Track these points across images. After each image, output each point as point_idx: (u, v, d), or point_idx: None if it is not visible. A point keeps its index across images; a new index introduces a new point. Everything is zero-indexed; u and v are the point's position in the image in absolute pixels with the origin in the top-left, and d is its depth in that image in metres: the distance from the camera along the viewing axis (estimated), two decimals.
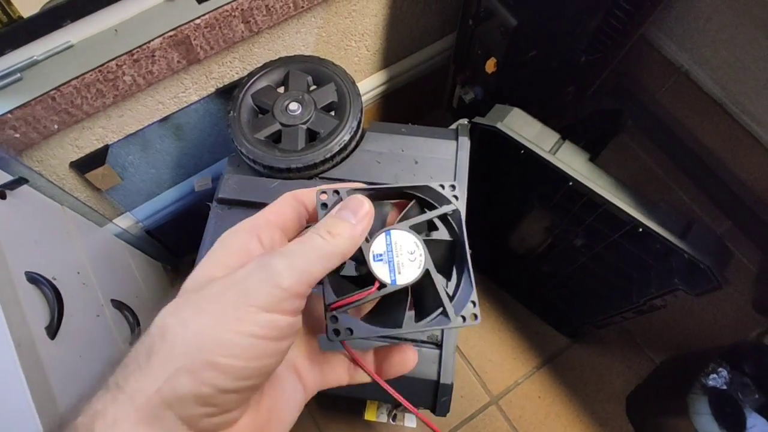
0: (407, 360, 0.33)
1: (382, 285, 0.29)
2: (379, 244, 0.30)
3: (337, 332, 0.28)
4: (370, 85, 1.39)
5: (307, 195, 0.31)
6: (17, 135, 0.83)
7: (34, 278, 0.73)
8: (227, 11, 0.88)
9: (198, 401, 0.22)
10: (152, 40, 0.84)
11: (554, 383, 1.41)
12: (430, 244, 0.31)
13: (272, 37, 1.02)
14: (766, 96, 1.32)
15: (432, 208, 0.33)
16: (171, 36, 0.85)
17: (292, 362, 0.31)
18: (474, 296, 0.30)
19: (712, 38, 1.37)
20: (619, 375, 1.41)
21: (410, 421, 1.10)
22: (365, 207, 0.29)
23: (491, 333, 1.46)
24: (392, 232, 0.30)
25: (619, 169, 1.67)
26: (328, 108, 0.90)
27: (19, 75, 0.79)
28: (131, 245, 1.26)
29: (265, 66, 0.92)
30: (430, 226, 0.33)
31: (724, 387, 1.21)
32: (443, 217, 0.33)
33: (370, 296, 0.29)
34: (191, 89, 1.02)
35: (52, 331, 0.70)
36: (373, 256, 0.30)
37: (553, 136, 0.86)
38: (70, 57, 0.82)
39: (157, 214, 1.27)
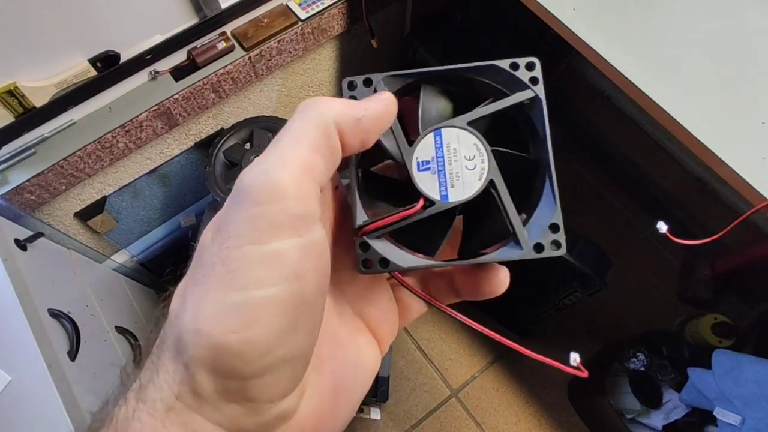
0: (501, 284, 0.24)
1: (429, 202, 0.23)
2: (425, 148, 0.23)
3: (367, 264, 0.23)
4: None
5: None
6: (33, 197, 1.02)
7: (55, 314, 0.92)
8: (200, 85, 1.08)
9: (227, 397, 0.17)
10: (140, 114, 1.04)
11: (506, 376, 1.62)
12: (497, 154, 0.23)
13: (239, 98, 1.23)
14: None
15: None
16: (155, 109, 1.05)
17: (352, 313, 0.24)
18: (557, 217, 0.23)
19: None
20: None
21: (375, 414, 1.29)
22: (385, 95, 0.22)
23: (450, 333, 1.66)
24: (443, 130, 0.23)
25: (559, 181, 1.88)
26: None
27: (33, 150, 0.98)
28: (128, 277, 1.44)
29: (233, 126, 1.12)
30: (497, 128, 0.25)
31: (643, 368, 1.42)
32: (518, 111, 0.24)
33: (412, 217, 0.23)
34: (174, 145, 1.21)
35: (73, 354, 0.89)
36: (418, 163, 0.23)
37: None
38: (74, 132, 1.01)
39: (150, 249, 1.46)
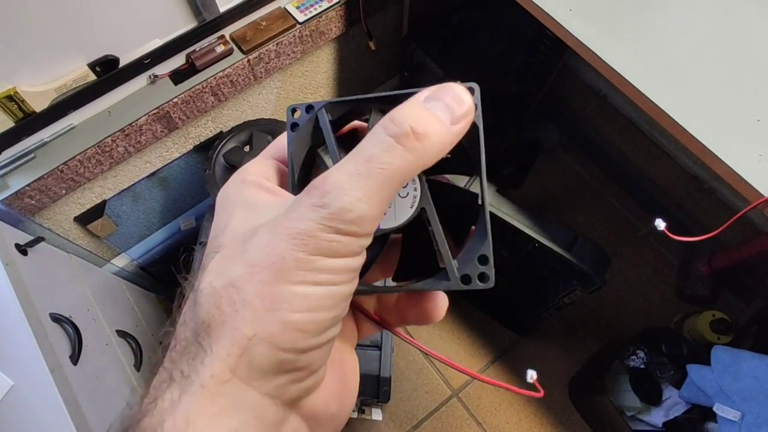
0: (439, 308, 0.26)
1: None
2: None
3: None
4: None
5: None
6: (33, 202, 1.02)
7: (56, 318, 0.92)
8: (199, 89, 1.08)
9: (282, 369, 0.19)
10: (139, 118, 1.04)
11: (507, 374, 1.62)
12: (432, 184, 0.24)
13: (238, 101, 1.23)
14: None
15: None
16: (154, 113, 1.05)
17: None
18: (487, 249, 0.23)
19: None
20: (561, 363, 1.63)
21: (377, 414, 1.30)
22: (467, 101, 0.21)
23: (449, 333, 1.67)
24: None
25: (557, 180, 1.90)
26: None
27: (33, 155, 0.99)
28: (128, 281, 1.44)
29: (233, 129, 1.13)
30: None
31: (642, 366, 1.43)
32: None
33: None
34: (173, 148, 1.22)
35: (75, 359, 0.89)
36: None
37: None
38: (73, 136, 1.01)
39: (150, 252, 1.46)
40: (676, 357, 1.44)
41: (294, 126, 0.24)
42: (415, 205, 0.23)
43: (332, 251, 0.19)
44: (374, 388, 0.92)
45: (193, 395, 0.18)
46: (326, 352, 0.21)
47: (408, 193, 0.23)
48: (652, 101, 0.67)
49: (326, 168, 0.22)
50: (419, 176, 0.23)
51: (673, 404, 1.38)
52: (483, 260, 0.22)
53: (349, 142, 0.23)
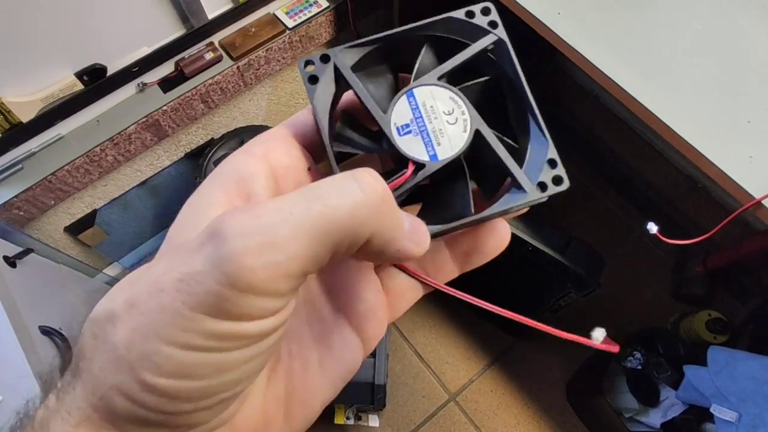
0: (503, 238, 0.24)
1: (419, 166, 0.21)
2: (401, 112, 0.22)
3: None
4: None
5: (304, 121, 0.22)
6: (21, 213, 1.01)
7: (46, 331, 0.90)
8: (188, 96, 1.07)
9: (149, 423, 0.16)
10: (128, 126, 1.03)
11: (504, 378, 1.62)
12: (468, 94, 0.22)
13: (229, 108, 1.22)
14: None
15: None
16: (143, 121, 1.04)
17: (330, 311, 0.22)
18: (552, 152, 0.22)
19: None
20: (558, 365, 1.62)
21: (373, 421, 1.29)
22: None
23: (446, 338, 1.66)
24: (415, 90, 0.22)
25: None
26: None
27: (21, 165, 0.98)
28: None
29: (223, 137, 1.12)
30: (464, 77, 0.23)
31: (639, 367, 1.42)
32: (482, 58, 0.23)
33: (405, 183, 0.21)
34: (163, 156, 1.21)
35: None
36: (398, 129, 0.22)
37: None
38: (62, 146, 1.00)
39: (142, 261, 1.45)
40: (673, 357, 1.44)
41: (312, 78, 0.22)
42: (468, 128, 0.22)
43: (221, 311, 0.15)
44: (369, 396, 0.91)
45: (59, 420, 0.16)
46: (217, 411, 0.17)
47: (456, 119, 0.22)
48: (642, 104, 0.67)
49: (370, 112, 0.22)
50: (460, 95, 0.22)
51: (670, 405, 1.38)
52: (552, 163, 0.22)
53: (377, 76, 0.23)
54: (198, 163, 1.09)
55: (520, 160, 0.22)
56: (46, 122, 0.96)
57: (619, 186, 1.86)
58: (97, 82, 0.98)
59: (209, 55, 1.07)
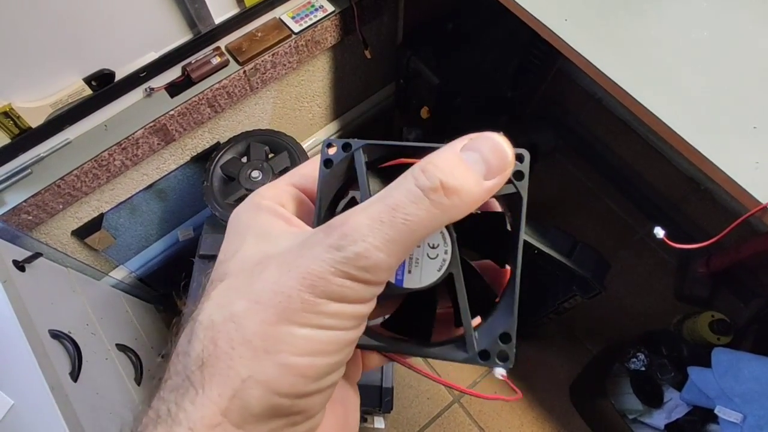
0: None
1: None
2: None
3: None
4: (325, 134, 1.60)
5: (307, 173, 0.25)
6: (30, 217, 1.01)
7: (56, 334, 0.91)
8: (195, 101, 1.08)
9: (277, 414, 0.18)
10: (136, 131, 1.04)
11: (508, 379, 1.62)
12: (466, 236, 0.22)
13: (235, 112, 1.23)
14: None
15: None
16: (151, 126, 1.05)
17: None
18: (511, 327, 0.22)
19: None
20: (562, 367, 1.63)
21: (379, 422, 1.29)
22: (507, 154, 0.20)
23: None
24: None
25: (554, 182, 1.90)
26: (284, 173, 1.11)
27: (29, 170, 0.98)
28: (126, 293, 1.44)
29: (230, 141, 1.13)
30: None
31: (643, 368, 1.43)
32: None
33: None
34: (170, 160, 1.21)
35: (75, 375, 0.89)
36: None
37: None
38: (70, 151, 1.01)
39: (148, 264, 1.46)
40: (677, 359, 1.45)
41: (328, 162, 0.23)
42: (443, 269, 0.22)
43: (342, 296, 0.18)
44: (377, 399, 0.91)
45: None
46: (326, 396, 0.20)
47: (437, 255, 0.22)
48: (649, 110, 0.68)
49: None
50: (452, 236, 0.22)
51: (674, 406, 1.38)
52: (505, 338, 0.21)
53: (388, 177, 0.22)
54: (205, 167, 1.10)
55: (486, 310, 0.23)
56: (55, 127, 0.97)
57: (622, 188, 1.86)
58: (105, 87, 0.98)
59: (216, 60, 1.07)
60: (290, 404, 0.18)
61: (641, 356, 1.44)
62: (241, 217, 0.23)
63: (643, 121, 0.70)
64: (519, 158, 0.21)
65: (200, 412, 0.17)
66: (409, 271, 0.22)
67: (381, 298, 0.21)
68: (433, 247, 0.22)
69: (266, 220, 0.22)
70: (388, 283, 0.22)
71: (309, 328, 0.18)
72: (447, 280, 0.22)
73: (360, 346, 0.23)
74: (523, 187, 0.21)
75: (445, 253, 0.22)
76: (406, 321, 0.25)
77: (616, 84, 0.70)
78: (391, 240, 0.18)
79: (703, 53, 0.72)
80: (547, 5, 0.75)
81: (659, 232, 0.68)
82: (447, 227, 0.22)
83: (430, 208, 0.18)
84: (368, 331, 0.24)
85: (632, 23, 0.75)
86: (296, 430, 0.19)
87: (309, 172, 0.24)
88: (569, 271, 1.03)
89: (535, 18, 0.73)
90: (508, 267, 0.24)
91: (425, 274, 0.22)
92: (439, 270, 0.22)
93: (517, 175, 0.21)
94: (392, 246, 0.18)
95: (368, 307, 0.20)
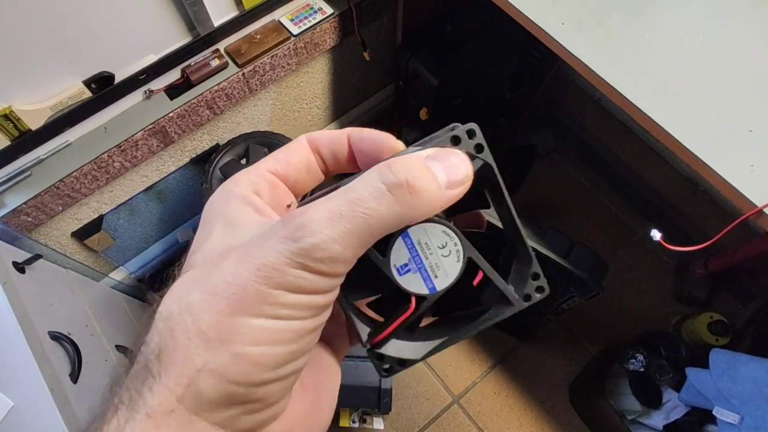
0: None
1: (421, 298, 0.24)
2: (399, 254, 0.23)
3: (389, 370, 0.25)
4: None
5: (324, 139, 0.24)
6: (30, 219, 1.02)
7: (55, 336, 0.91)
8: (194, 103, 1.08)
9: (233, 401, 0.19)
10: (135, 133, 1.04)
11: (507, 380, 1.63)
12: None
13: (234, 114, 1.23)
14: None
15: None
16: (150, 128, 1.05)
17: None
18: (535, 267, 0.25)
19: None
20: (561, 367, 1.63)
21: (378, 424, 1.30)
22: (466, 170, 0.21)
23: None
24: (410, 231, 0.23)
25: (553, 183, 1.91)
26: None
27: (29, 172, 0.99)
28: (126, 294, 1.44)
29: (229, 143, 1.13)
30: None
31: (642, 369, 1.43)
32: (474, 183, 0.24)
33: (411, 316, 0.24)
34: (169, 162, 1.22)
35: (75, 377, 0.89)
36: (398, 269, 0.23)
37: None
38: (69, 153, 1.02)
39: (147, 265, 1.46)
40: (675, 359, 1.45)
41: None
42: (461, 257, 0.23)
43: (297, 287, 0.19)
44: (375, 400, 0.92)
45: (138, 423, 0.18)
46: (287, 385, 0.20)
47: (450, 251, 0.23)
48: (644, 113, 0.68)
49: None
50: (452, 228, 0.23)
51: (673, 407, 1.38)
52: (535, 276, 0.25)
53: None
54: (204, 169, 1.10)
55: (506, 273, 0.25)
56: (55, 129, 0.97)
57: (620, 188, 1.87)
58: (104, 89, 0.99)
59: (215, 62, 1.08)
60: (246, 392, 0.19)
61: (640, 357, 1.44)
62: (213, 204, 0.23)
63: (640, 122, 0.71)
64: (471, 134, 0.23)
65: (157, 399, 0.18)
66: (436, 276, 0.23)
67: (427, 314, 0.24)
68: (442, 247, 0.23)
69: (236, 209, 0.22)
70: (426, 296, 0.23)
71: (264, 318, 0.18)
72: (469, 264, 0.24)
73: (426, 357, 0.25)
74: (487, 155, 0.23)
75: (455, 245, 0.23)
76: (451, 312, 0.27)
77: (613, 87, 0.70)
78: (348, 233, 0.19)
79: (699, 56, 0.73)
80: (544, 9, 0.76)
81: (656, 234, 0.68)
82: (444, 223, 0.23)
83: (392, 205, 0.19)
84: (423, 335, 0.26)
85: (628, 26, 0.75)
86: (256, 417, 0.20)
87: (292, 159, 0.24)
88: (567, 273, 1.03)
89: (532, 21, 0.73)
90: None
91: (450, 271, 0.23)
92: (458, 261, 0.23)
93: (478, 148, 0.23)
94: (349, 239, 0.19)
95: (326, 298, 0.20)
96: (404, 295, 0.24)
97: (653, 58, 0.73)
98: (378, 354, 0.25)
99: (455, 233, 0.23)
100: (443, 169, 0.20)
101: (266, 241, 0.19)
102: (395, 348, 0.25)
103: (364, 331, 0.24)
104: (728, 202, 1.52)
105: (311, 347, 0.21)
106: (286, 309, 0.19)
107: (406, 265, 0.23)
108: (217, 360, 0.18)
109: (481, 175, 0.23)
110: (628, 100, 0.69)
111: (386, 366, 0.25)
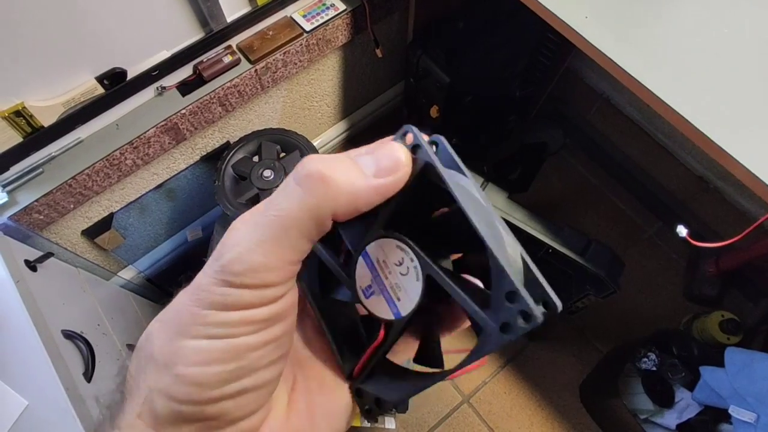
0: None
1: (388, 324, 0.22)
2: (362, 274, 0.21)
3: (368, 412, 0.23)
4: (334, 133, 1.59)
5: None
6: (41, 217, 1.01)
7: (69, 335, 0.90)
8: (206, 99, 1.07)
9: (184, 419, 0.19)
10: (147, 130, 1.03)
11: (517, 379, 1.62)
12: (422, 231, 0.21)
13: (245, 111, 1.22)
14: None
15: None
16: (162, 125, 1.04)
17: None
18: (509, 285, 0.18)
19: None
20: (571, 366, 1.62)
21: (390, 423, 1.29)
22: (399, 156, 0.20)
23: (458, 339, 1.66)
24: (368, 248, 0.21)
25: (562, 181, 1.90)
26: None
27: (41, 170, 0.98)
28: (135, 293, 1.43)
29: (241, 140, 1.12)
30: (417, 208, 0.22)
31: (654, 368, 1.42)
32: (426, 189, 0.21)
33: (384, 345, 0.22)
34: (180, 160, 1.21)
35: (88, 376, 0.88)
36: (363, 292, 0.22)
37: (478, 180, 1.07)
38: (81, 150, 1.01)
39: (156, 264, 1.45)
40: (687, 358, 1.44)
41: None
42: (420, 276, 0.20)
43: (224, 305, 0.19)
44: None
45: None
46: (246, 402, 0.20)
47: (407, 269, 0.20)
48: (671, 107, 0.67)
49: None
50: (406, 242, 0.20)
51: (685, 406, 1.37)
52: (511, 297, 0.18)
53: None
54: (216, 167, 1.09)
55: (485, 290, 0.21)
56: (67, 126, 0.96)
57: (630, 186, 1.86)
58: (117, 86, 0.98)
59: (227, 59, 1.07)
60: (195, 410, 0.19)
61: (652, 356, 1.43)
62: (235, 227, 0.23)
63: (651, 119, 0.70)
64: (404, 136, 0.21)
65: (124, 417, 0.20)
66: (398, 299, 0.21)
67: (401, 340, 0.22)
68: (399, 264, 0.21)
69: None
70: (393, 322, 0.21)
71: (198, 339, 0.19)
72: (431, 283, 0.20)
73: (403, 399, 0.23)
74: (425, 153, 0.20)
75: (411, 260, 0.20)
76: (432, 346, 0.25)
77: (637, 80, 0.69)
78: (264, 240, 0.19)
79: (725, 48, 0.72)
80: (568, 2, 0.75)
81: (682, 230, 0.67)
82: (397, 236, 0.20)
83: (302, 198, 0.19)
84: (412, 376, 0.23)
85: (652, 20, 0.74)
86: None
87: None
88: (583, 270, 1.02)
89: (555, 15, 0.72)
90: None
91: (411, 292, 0.21)
92: (417, 280, 0.20)
93: (414, 149, 0.20)
94: (266, 246, 0.19)
95: (267, 311, 0.19)
96: (375, 319, 0.22)
97: (678, 51, 0.72)
98: (358, 389, 0.23)
99: (410, 248, 0.20)
100: (372, 159, 0.20)
101: (204, 267, 0.20)
102: (375, 385, 0.23)
103: (346, 363, 0.23)
104: (740, 200, 1.52)
105: (267, 362, 0.20)
106: (218, 328, 0.19)
107: (370, 286, 0.22)
108: (163, 381, 0.19)
109: (431, 178, 0.20)
110: (653, 93, 0.68)
111: (366, 407, 0.23)
